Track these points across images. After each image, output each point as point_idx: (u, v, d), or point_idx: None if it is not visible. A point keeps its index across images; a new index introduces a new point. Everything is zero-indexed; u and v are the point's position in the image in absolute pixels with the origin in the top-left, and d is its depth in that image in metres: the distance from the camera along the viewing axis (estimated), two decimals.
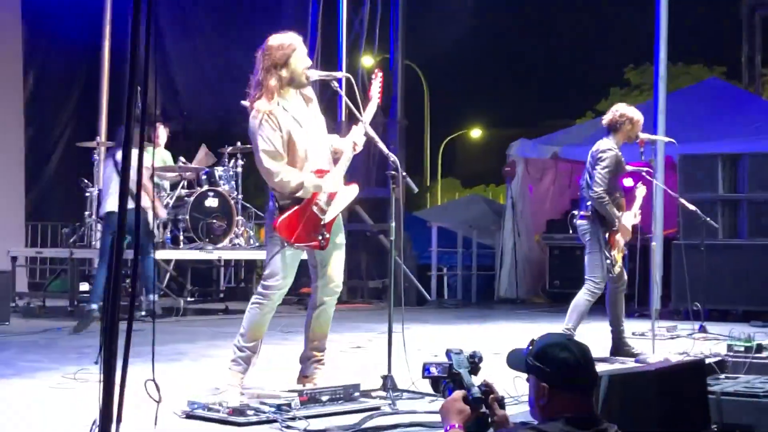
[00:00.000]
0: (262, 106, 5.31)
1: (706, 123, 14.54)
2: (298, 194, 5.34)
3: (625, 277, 7.72)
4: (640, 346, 7.76)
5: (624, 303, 7.76)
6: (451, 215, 18.08)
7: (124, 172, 3.08)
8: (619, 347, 7.63)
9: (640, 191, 7.95)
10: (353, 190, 5.60)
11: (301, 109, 5.48)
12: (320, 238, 5.37)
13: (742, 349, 7.47)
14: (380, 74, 5.73)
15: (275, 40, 5.44)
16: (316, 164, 5.45)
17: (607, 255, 7.45)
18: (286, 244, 5.32)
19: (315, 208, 5.36)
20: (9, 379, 6.13)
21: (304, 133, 5.41)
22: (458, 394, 3.45)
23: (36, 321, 10.05)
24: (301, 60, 5.44)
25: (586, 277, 7.60)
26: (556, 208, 15.94)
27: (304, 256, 5.63)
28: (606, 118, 7.73)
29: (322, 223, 5.38)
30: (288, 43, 5.43)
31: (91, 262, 10.96)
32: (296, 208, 5.32)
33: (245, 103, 5.47)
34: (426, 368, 3.70)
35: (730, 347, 7.60)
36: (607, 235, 7.47)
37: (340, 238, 5.61)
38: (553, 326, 8.73)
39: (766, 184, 11.26)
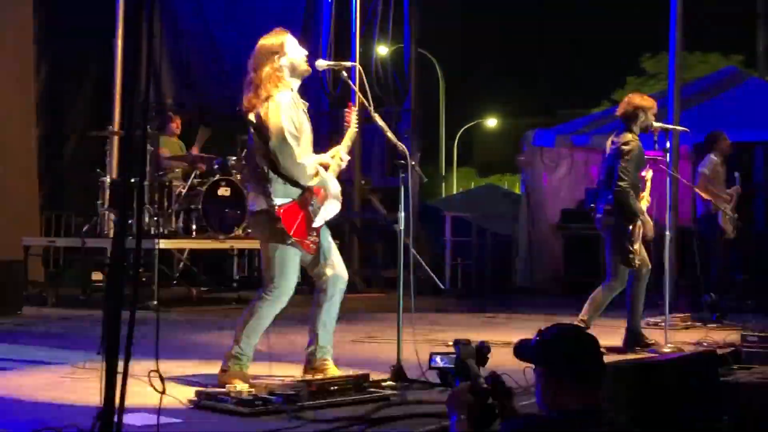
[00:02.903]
0: (278, 93, 5.29)
1: (722, 112, 14.44)
2: (311, 182, 5.33)
3: (650, 265, 7.65)
4: (653, 336, 7.70)
5: (645, 294, 7.70)
6: (465, 204, 18.10)
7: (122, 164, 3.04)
8: (634, 337, 7.59)
9: (648, 175, 7.87)
10: (338, 206, 5.59)
11: (302, 104, 5.48)
12: (311, 239, 5.39)
13: (756, 339, 7.40)
14: (354, 108, 5.69)
15: (263, 39, 5.49)
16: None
17: (630, 249, 7.38)
18: (285, 242, 5.29)
19: (310, 208, 5.36)
20: (20, 368, 6.14)
21: (308, 133, 5.43)
22: (465, 385, 3.43)
23: (48, 310, 10.07)
24: (295, 46, 5.46)
25: (608, 271, 7.54)
26: (571, 197, 15.85)
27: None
28: (620, 110, 7.65)
29: (314, 225, 5.40)
30: (278, 35, 5.47)
31: (104, 251, 10.96)
32: (296, 200, 5.32)
33: (245, 113, 5.42)
34: (432, 358, 3.67)
35: (744, 338, 7.54)
36: (630, 228, 7.40)
37: (329, 234, 5.63)
38: (568, 317, 8.69)
39: None
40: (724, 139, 10.30)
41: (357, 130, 5.66)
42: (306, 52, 5.50)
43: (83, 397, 4.95)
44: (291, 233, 5.28)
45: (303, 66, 5.46)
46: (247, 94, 5.39)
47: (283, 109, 5.30)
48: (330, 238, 5.62)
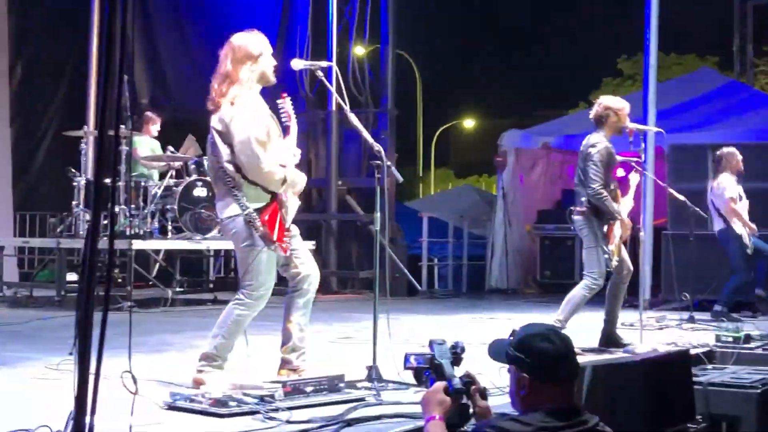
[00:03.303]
0: (241, 96, 5.27)
1: (697, 113, 14.54)
2: (281, 188, 5.30)
3: (631, 267, 7.67)
4: (628, 336, 7.74)
5: (624, 295, 7.72)
6: (442, 205, 18.10)
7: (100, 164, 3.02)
8: (609, 337, 7.61)
9: (634, 179, 7.93)
10: (298, 202, 5.58)
11: (270, 114, 5.44)
12: (287, 240, 5.37)
13: (731, 339, 7.46)
14: (287, 97, 5.62)
15: (244, 37, 5.42)
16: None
17: (605, 249, 7.40)
18: (265, 246, 5.27)
19: (283, 210, 5.34)
20: None
21: (275, 136, 5.38)
22: (439, 385, 3.43)
23: (23, 311, 10.01)
24: (270, 54, 5.42)
25: (584, 272, 7.55)
26: (547, 198, 15.93)
27: None
28: (592, 113, 7.70)
29: (286, 225, 5.38)
30: (259, 38, 5.42)
31: (79, 252, 10.90)
32: (274, 206, 5.30)
33: (211, 103, 5.36)
34: (407, 359, 3.68)
35: (718, 338, 7.60)
36: (605, 228, 7.43)
37: (297, 232, 5.59)
38: (544, 316, 8.71)
39: (755, 174, 11.22)
40: (734, 157, 10.34)
41: (296, 118, 5.61)
42: (275, 63, 5.46)
43: (56, 398, 4.92)
44: (275, 238, 5.27)
45: (270, 77, 5.43)
46: (219, 86, 5.32)
47: (250, 114, 5.26)
48: (299, 236, 5.60)
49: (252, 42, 5.39)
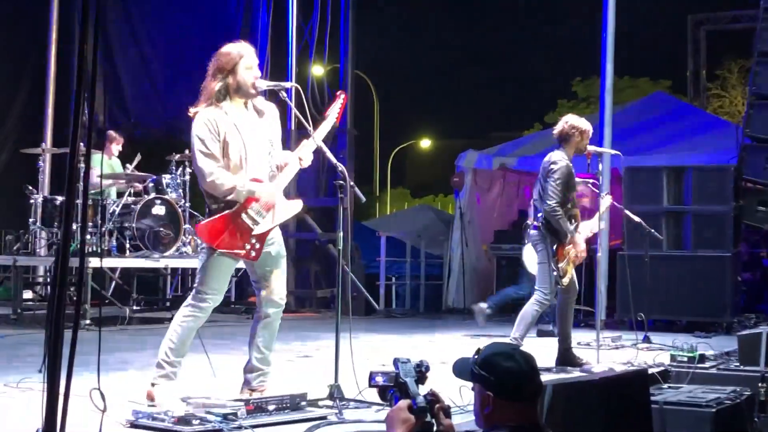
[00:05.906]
0: (202, 110, 5.33)
1: (652, 136, 14.73)
2: (230, 197, 5.33)
3: (577, 287, 7.76)
4: (585, 355, 7.81)
5: (573, 313, 7.81)
6: (399, 225, 18.15)
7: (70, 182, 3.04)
8: (565, 357, 7.68)
9: (605, 201, 8.01)
10: (296, 205, 5.62)
11: (246, 118, 5.47)
12: (248, 247, 5.36)
13: (685, 359, 7.57)
14: (343, 95, 5.75)
15: (225, 47, 5.48)
16: (253, 174, 5.43)
17: (555, 267, 7.48)
18: (213, 251, 5.30)
19: (245, 216, 5.35)
20: None
21: (242, 141, 5.41)
22: (403, 403, 3.46)
23: None
24: (248, 69, 5.43)
25: (535, 287, 7.63)
26: (503, 218, 16.05)
27: (241, 264, 5.63)
28: (556, 130, 7.75)
29: (254, 233, 5.37)
30: (236, 51, 5.45)
31: (35, 269, 10.83)
32: (225, 213, 5.33)
33: (192, 111, 5.45)
34: (372, 377, 3.70)
35: (673, 357, 7.70)
36: (555, 247, 7.50)
37: (280, 250, 5.59)
38: (500, 336, 8.79)
39: (709, 196, 11.40)
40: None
41: (336, 122, 5.73)
42: (258, 74, 5.50)
43: (16, 418, 4.90)
44: (215, 246, 5.31)
45: (247, 89, 5.45)
46: (201, 97, 5.45)
47: (200, 128, 5.33)
48: (279, 259, 5.58)
49: (229, 54, 5.42)
